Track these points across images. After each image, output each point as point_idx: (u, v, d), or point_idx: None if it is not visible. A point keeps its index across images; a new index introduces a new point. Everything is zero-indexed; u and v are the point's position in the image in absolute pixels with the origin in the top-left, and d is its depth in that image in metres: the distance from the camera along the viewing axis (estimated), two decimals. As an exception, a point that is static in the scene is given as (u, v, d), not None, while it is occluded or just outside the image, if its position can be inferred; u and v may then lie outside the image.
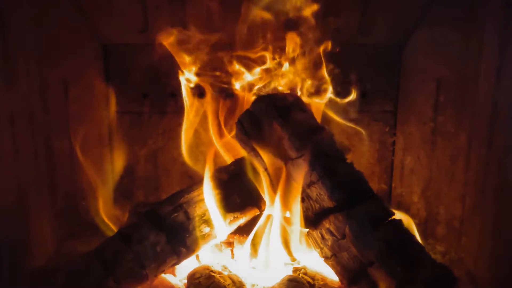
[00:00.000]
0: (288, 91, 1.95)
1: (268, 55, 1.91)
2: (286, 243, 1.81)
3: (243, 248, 1.90)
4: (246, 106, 1.87)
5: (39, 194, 1.94)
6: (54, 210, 2.07)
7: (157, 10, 2.11)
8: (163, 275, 1.76)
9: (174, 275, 1.84)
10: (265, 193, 1.75)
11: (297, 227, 1.69)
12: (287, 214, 1.76)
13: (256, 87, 1.95)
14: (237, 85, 1.99)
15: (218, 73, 1.99)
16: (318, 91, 2.05)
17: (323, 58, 1.92)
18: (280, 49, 1.93)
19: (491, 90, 1.78)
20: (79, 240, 2.14)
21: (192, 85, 1.98)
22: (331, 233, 1.56)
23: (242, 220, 1.80)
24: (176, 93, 2.11)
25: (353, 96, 2.09)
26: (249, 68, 1.94)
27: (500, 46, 1.72)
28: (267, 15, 1.89)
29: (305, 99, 1.89)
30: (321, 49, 1.93)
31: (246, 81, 1.97)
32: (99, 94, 2.34)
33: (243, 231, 1.90)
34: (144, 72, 2.29)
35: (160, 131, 2.41)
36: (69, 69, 2.14)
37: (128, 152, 2.41)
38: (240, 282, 1.72)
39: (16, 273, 1.72)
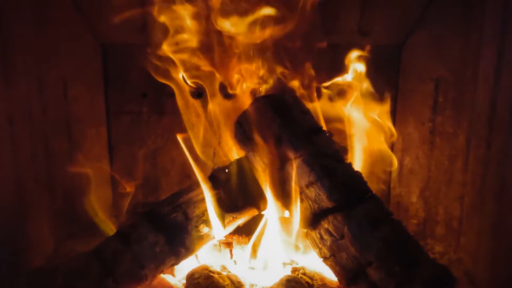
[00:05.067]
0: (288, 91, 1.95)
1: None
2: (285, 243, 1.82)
3: (243, 248, 1.90)
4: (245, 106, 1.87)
5: (38, 194, 1.94)
6: (53, 210, 2.07)
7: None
8: (162, 275, 1.76)
9: (173, 275, 1.84)
10: (265, 194, 1.75)
11: (296, 227, 1.70)
12: (286, 215, 1.77)
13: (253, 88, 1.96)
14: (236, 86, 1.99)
15: (217, 74, 1.98)
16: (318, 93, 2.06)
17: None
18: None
19: (490, 91, 1.78)
20: (78, 240, 2.14)
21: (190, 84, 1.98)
22: (330, 234, 1.57)
23: (241, 220, 1.80)
24: (175, 93, 2.11)
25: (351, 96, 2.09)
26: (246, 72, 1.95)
27: (498, 47, 1.73)
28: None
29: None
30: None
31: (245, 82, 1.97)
32: (98, 94, 2.34)
33: (242, 231, 1.90)
34: (143, 72, 2.29)
35: (159, 131, 2.41)
36: (68, 69, 2.14)
37: (127, 152, 2.42)
38: (239, 282, 1.72)
39: (14, 273, 1.71)
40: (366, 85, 2.06)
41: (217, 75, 1.95)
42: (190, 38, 1.92)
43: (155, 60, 1.91)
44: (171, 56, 1.90)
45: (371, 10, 2.13)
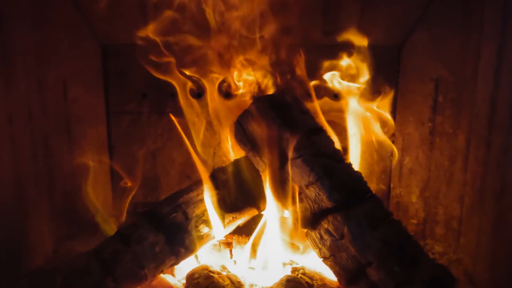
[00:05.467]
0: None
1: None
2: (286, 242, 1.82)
3: (242, 248, 1.90)
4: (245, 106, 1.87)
5: (38, 194, 1.94)
6: (53, 210, 2.06)
7: (156, 11, 2.11)
8: (162, 275, 1.76)
9: (173, 275, 1.84)
10: (265, 194, 1.75)
11: (296, 228, 1.70)
12: (286, 215, 1.77)
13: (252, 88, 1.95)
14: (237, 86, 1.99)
15: (217, 74, 1.98)
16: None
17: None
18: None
19: (490, 90, 1.78)
20: (78, 240, 2.14)
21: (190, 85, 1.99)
22: (330, 234, 1.57)
23: (241, 220, 1.80)
24: (175, 93, 2.11)
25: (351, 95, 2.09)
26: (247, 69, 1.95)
27: (498, 46, 1.73)
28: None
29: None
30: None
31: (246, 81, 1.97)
32: (98, 94, 2.34)
33: (242, 231, 1.90)
34: (142, 72, 2.29)
35: (159, 131, 2.41)
36: (68, 70, 2.14)
37: (127, 152, 2.42)
38: (239, 282, 1.72)
39: (14, 274, 1.72)
40: (366, 85, 2.06)
41: (215, 70, 1.95)
42: (185, 22, 1.92)
43: (153, 55, 1.90)
44: (159, 40, 1.89)
45: (371, 10, 2.13)
